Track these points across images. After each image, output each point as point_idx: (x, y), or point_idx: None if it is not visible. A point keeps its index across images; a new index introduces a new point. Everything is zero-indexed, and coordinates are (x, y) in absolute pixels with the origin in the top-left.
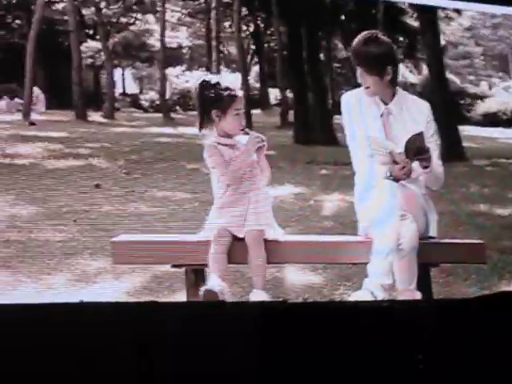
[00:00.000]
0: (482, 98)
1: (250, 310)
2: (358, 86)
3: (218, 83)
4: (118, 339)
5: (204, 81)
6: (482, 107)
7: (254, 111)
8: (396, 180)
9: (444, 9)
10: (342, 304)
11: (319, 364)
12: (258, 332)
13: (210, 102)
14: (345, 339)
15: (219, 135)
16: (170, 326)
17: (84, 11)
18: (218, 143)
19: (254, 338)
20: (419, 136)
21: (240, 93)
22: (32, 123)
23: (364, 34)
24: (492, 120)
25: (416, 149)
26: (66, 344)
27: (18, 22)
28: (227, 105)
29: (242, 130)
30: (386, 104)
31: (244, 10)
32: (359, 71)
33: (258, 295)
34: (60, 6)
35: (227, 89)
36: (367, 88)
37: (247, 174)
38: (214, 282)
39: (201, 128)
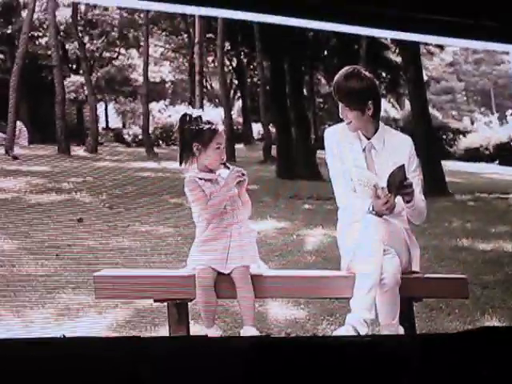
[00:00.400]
0: (464, 133)
1: (234, 344)
2: (341, 120)
3: (199, 117)
4: (100, 374)
5: (185, 114)
6: (464, 142)
7: (237, 146)
8: (379, 215)
9: (426, 44)
10: (325, 339)
11: None
12: (242, 366)
13: (191, 135)
14: (328, 374)
15: (200, 169)
16: (154, 361)
17: (67, 46)
18: (199, 178)
19: (239, 373)
20: (401, 169)
21: (221, 127)
22: (15, 157)
23: (345, 69)
24: (474, 155)
25: (398, 183)
26: (47, 379)
27: (1, 56)
28: (208, 139)
29: (224, 164)
30: (368, 139)
31: (227, 45)
32: (341, 106)
33: (249, 331)
34: (43, 40)
35: (208, 122)
36: (349, 123)
37: (228, 208)
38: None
39: (181, 161)
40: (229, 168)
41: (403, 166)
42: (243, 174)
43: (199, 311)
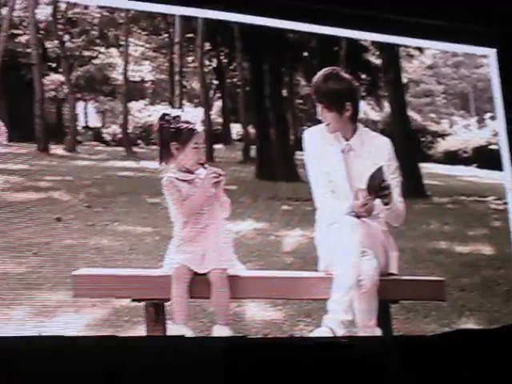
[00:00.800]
0: (442, 135)
1: (211, 345)
2: (320, 122)
3: (178, 116)
4: (77, 373)
5: (164, 114)
6: (442, 145)
7: (216, 146)
8: (357, 216)
9: (406, 47)
10: (302, 340)
11: None
12: (219, 367)
13: (170, 134)
14: (305, 376)
15: (178, 170)
16: (131, 360)
17: (47, 44)
18: (176, 178)
19: (216, 373)
20: (379, 171)
21: (200, 127)
22: None
23: (324, 70)
24: (453, 158)
25: (377, 185)
26: (23, 378)
27: None
28: (186, 138)
29: (202, 164)
30: (347, 140)
31: (207, 45)
32: (319, 107)
33: (221, 330)
34: (23, 38)
35: (187, 122)
36: (327, 124)
37: (205, 209)
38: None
39: (161, 161)
40: (206, 169)
41: (381, 167)
42: (220, 175)
43: (172, 309)
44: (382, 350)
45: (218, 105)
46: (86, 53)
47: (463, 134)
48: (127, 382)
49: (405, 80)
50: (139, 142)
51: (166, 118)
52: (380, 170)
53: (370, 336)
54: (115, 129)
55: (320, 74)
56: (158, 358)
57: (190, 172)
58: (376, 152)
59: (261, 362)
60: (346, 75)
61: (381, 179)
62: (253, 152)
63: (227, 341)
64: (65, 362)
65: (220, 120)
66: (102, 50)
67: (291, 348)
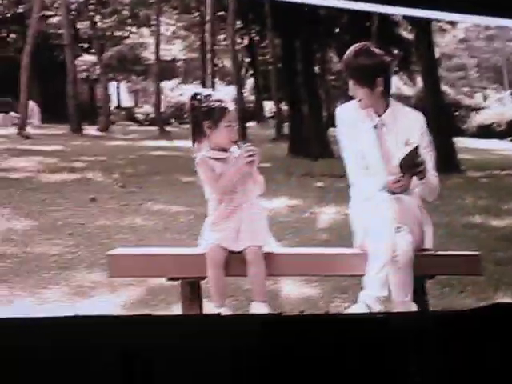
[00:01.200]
0: (476, 109)
1: (247, 323)
2: (353, 98)
3: (209, 95)
4: (112, 353)
5: (195, 93)
6: (476, 119)
7: (248, 124)
8: (391, 192)
9: (438, 21)
10: (338, 316)
11: (317, 375)
12: (254, 344)
13: (202, 114)
14: (341, 352)
15: (212, 148)
16: (167, 339)
17: (79, 25)
18: (209, 157)
19: (252, 351)
20: (415, 151)
21: (231, 106)
22: (27, 137)
23: (355, 46)
24: (487, 132)
25: (412, 164)
26: (61, 357)
27: (12, 36)
28: (218, 117)
29: (235, 142)
30: (379, 116)
31: (238, 23)
32: (350, 83)
33: (259, 307)
34: (55, 20)
35: (218, 101)
36: (359, 100)
37: (239, 187)
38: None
39: (194, 141)
40: (239, 147)
41: (417, 146)
42: (254, 154)
43: (209, 288)
44: (419, 325)
45: (250, 82)
46: (118, 33)
47: (497, 107)
48: (167, 360)
49: (437, 54)
50: (172, 121)
51: (198, 97)
52: (416, 149)
53: (406, 311)
54: (148, 108)
55: (351, 49)
56: (193, 337)
57: (224, 150)
58: (409, 127)
59: (296, 338)
60: (377, 50)
61: (416, 158)
62: (286, 129)
63: (263, 318)
64: (100, 341)
65: (252, 98)
66: (134, 29)
67: (327, 324)
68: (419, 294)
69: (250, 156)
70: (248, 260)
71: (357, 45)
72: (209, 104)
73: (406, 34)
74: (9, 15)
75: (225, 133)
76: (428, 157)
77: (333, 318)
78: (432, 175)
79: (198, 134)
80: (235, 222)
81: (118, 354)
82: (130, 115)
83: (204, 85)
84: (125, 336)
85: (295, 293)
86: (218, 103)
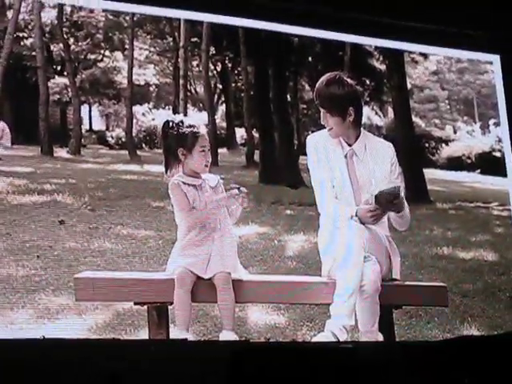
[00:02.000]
0: (446, 141)
1: (214, 349)
2: (324, 127)
3: (181, 121)
4: (79, 376)
5: (167, 121)
6: (446, 151)
7: (220, 150)
8: (361, 222)
9: (410, 53)
10: (305, 344)
11: None
12: (221, 371)
13: (175, 140)
14: (306, 380)
15: (185, 174)
16: (133, 363)
17: (52, 47)
18: (183, 182)
19: (218, 377)
20: (395, 189)
21: (204, 130)
22: None
23: (327, 75)
24: (456, 163)
25: (390, 201)
26: (26, 380)
27: None
28: (192, 142)
29: (206, 166)
30: (349, 145)
31: (212, 50)
32: (322, 112)
33: (227, 336)
34: (28, 41)
35: (191, 126)
36: (330, 129)
37: (212, 216)
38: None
39: (167, 168)
40: (238, 189)
41: (399, 187)
42: (244, 193)
43: (175, 313)
44: (385, 355)
45: (222, 109)
46: (91, 56)
47: (467, 139)
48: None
49: (409, 85)
50: (143, 145)
51: (170, 124)
52: (396, 188)
53: (372, 341)
54: (119, 132)
55: (322, 78)
56: (160, 362)
57: (198, 176)
58: (379, 157)
59: (263, 365)
60: (349, 80)
61: (395, 196)
62: (257, 156)
63: (229, 344)
64: (66, 365)
65: (224, 124)
66: (107, 53)
67: (293, 352)
68: (386, 324)
69: (240, 196)
70: (217, 286)
71: (328, 74)
72: (181, 131)
73: (379, 64)
74: None
75: (199, 158)
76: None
77: (299, 346)
78: (405, 206)
79: (171, 161)
80: (205, 249)
81: (86, 376)
82: (101, 139)
83: (176, 110)
84: (91, 359)
85: (262, 320)
86: (190, 129)
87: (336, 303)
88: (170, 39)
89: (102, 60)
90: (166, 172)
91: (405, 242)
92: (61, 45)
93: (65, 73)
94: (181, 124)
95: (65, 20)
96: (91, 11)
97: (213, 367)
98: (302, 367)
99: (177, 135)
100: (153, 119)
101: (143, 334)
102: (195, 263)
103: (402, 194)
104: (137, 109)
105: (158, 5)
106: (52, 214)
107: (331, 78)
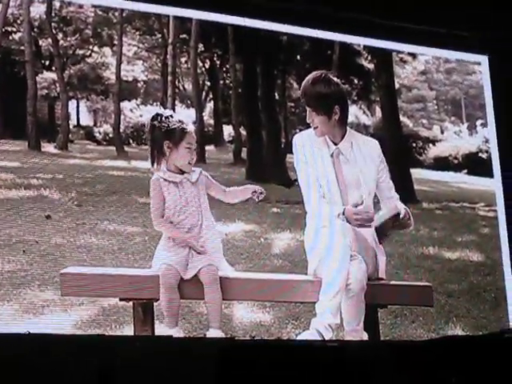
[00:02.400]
0: (433, 141)
1: (199, 345)
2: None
3: (170, 116)
4: (64, 372)
5: (157, 114)
6: (433, 151)
7: (207, 147)
8: (348, 221)
9: (399, 52)
10: (290, 342)
11: None
12: (206, 367)
13: (162, 134)
14: (291, 378)
15: (168, 170)
16: (118, 359)
17: (41, 42)
18: (164, 179)
19: (203, 373)
20: (396, 217)
21: (191, 127)
22: None
23: (313, 74)
24: (443, 164)
25: (392, 226)
26: (11, 375)
27: None
28: (179, 138)
29: (190, 164)
30: (335, 144)
31: (200, 47)
32: (308, 111)
33: (214, 334)
34: (17, 36)
35: (179, 122)
36: (316, 128)
37: (194, 210)
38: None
39: (152, 161)
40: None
41: (398, 214)
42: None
43: (162, 311)
44: (370, 354)
45: (210, 106)
46: (80, 51)
47: (454, 140)
48: (113, 382)
49: (397, 85)
50: (130, 141)
51: (159, 117)
52: (397, 215)
53: (357, 340)
54: (107, 128)
55: (309, 77)
56: (144, 358)
57: (181, 172)
58: (366, 155)
59: (248, 363)
60: (335, 79)
61: (394, 223)
62: (244, 154)
63: (215, 342)
64: (52, 360)
65: (212, 121)
66: (96, 48)
67: (278, 350)
68: (371, 323)
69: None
70: (203, 281)
71: (315, 73)
72: (170, 125)
73: (367, 63)
74: None
75: (184, 154)
76: (389, 185)
77: (284, 344)
78: (402, 207)
79: (157, 155)
80: (187, 248)
81: (71, 372)
82: (88, 134)
83: (164, 106)
84: (76, 355)
85: (247, 317)
86: (178, 124)
87: (321, 301)
88: (159, 36)
89: (90, 55)
90: (152, 165)
91: (391, 241)
92: (49, 40)
93: (53, 68)
94: (170, 118)
95: (54, 15)
96: (80, 6)
97: (197, 363)
98: (288, 365)
99: (165, 128)
100: (140, 115)
101: (128, 330)
102: (179, 260)
103: (402, 214)
104: (125, 105)
105: (146, 1)
106: (39, 209)
107: (317, 76)
